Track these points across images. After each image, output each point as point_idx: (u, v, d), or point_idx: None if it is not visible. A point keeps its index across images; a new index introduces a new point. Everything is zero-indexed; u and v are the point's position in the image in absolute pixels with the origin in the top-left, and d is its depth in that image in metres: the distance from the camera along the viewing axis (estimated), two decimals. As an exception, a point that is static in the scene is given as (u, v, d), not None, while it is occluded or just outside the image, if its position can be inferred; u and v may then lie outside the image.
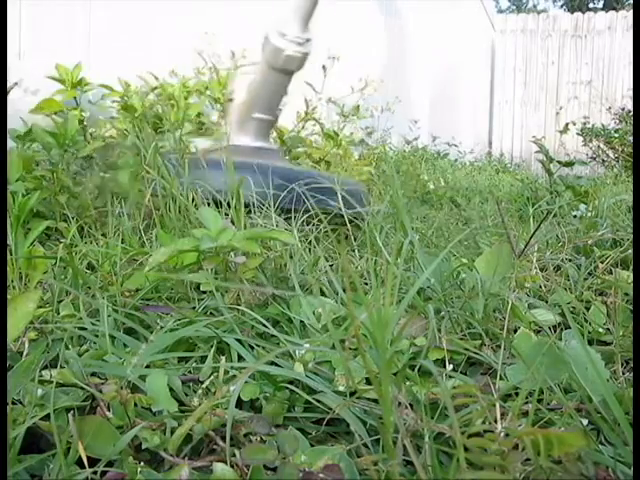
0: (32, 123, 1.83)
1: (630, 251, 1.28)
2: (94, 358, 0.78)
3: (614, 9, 9.67)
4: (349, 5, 3.72)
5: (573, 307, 1.01)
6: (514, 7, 21.31)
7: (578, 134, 6.95)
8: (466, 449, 0.51)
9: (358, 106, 3.14)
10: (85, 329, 0.87)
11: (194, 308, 0.97)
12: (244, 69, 2.01)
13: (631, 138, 6.23)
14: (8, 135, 1.76)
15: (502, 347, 0.79)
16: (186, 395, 0.72)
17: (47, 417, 0.62)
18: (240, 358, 0.81)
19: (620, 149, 6.53)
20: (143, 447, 0.61)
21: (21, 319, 0.68)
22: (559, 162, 2.69)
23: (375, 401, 0.67)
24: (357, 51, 3.58)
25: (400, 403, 0.60)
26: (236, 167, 1.27)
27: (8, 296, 0.77)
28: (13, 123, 2.42)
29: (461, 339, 0.84)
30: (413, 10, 5.26)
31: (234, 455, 0.59)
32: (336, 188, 1.37)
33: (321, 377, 0.75)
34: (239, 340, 0.83)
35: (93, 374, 0.74)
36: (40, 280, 1.08)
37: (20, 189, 1.34)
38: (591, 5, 18.19)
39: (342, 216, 1.31)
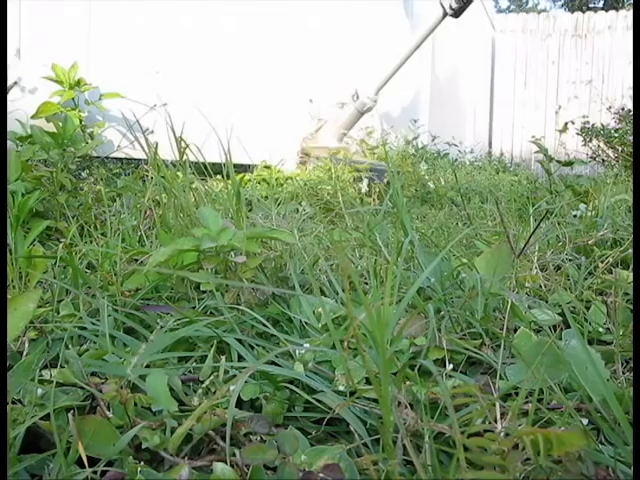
0: (31, 125, 1.84)
1: (630, 251, 1.28)
2: (94, 358, 0.78)
3: (614, 9, 9.65)
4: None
5: (573, 307, 1.01)
6: (514, 7, 21.27)
7: (578, 134, 6.93)
8: (466, 449, 0.51)
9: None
10: (85, 329, 0.87)
11: (194, 308, 0.97)
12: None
13: (631, 138, 6.22)
14: (8, 137, 1.76)
15: (502, 347, 0.80)
16: (186, 395, 0.72)
17: (47, 417, 0.62)
18: (240, 358, 0.81)
19: (620, 149, 6.51)
20: (143, 447, 0.61)
21: (21, 319, 0.68)
22: (559, 162, 2.68)
23: (375, 401, 0.67)
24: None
25: (400, 403, 0.60)
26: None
27: (8, 296, 0.77)
28: (13, 122, 2.42)
29: (461, 339, 0.84)
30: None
31: (234, 455, 0.59)
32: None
33: (321, 377, 0.75)
34: (239, 340, 0.83)
35: (93, 374, 0.74)
36: (40, 280, 1.08)
37: (20, 189, 1.34)
38: (591, 5, 18.16)
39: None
